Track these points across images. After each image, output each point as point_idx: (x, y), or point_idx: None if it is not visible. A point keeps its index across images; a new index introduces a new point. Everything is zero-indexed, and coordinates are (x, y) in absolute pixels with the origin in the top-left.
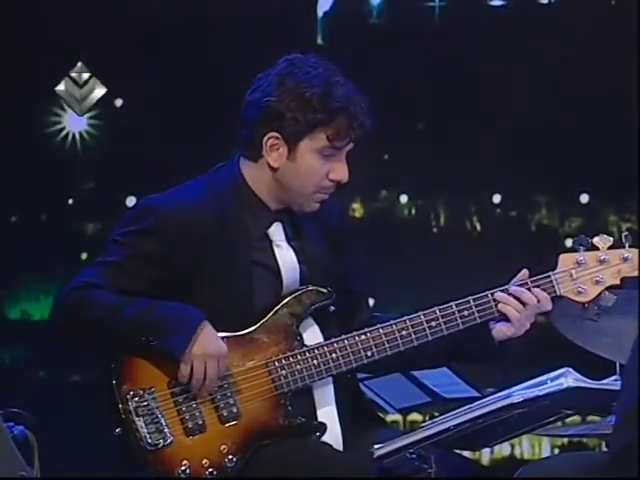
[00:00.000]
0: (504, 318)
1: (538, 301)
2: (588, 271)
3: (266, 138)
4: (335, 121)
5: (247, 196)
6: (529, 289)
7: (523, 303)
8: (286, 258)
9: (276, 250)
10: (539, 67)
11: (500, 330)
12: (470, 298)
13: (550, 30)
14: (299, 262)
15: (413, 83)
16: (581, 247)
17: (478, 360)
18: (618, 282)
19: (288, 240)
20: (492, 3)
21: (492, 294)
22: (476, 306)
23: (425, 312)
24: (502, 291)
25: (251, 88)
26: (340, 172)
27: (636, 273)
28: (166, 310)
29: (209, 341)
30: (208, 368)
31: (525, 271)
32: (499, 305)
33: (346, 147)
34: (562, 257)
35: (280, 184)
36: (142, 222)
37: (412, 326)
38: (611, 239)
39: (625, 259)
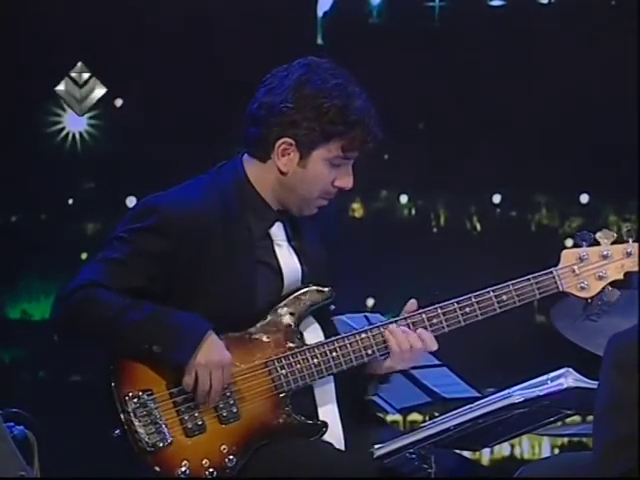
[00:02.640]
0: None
1: (422, 342)
2: (591, 266)
3: (279, 143)
4: (351, 133)
5: (250, 195)
6: (415, 330)
7: (409, 343)
8: (287, 258)
9: (277, 250)
10: (539, 67)
11: (386, 364)
12: (472, 295)
13: (550, 30)
14: (300, 262)
15: (413, 83)
16: (584, 242)
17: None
18: (621, 277)
19: (288, 240)
20: (492, 3)
21: (494, 291)
22: (477, 303)
23: (426, 310)
24: (395, 322)
25: (264, 87)
26: (346, 180)
27: None
28: (172, 318)
29: (214, 350)
30: (213, 378)
31: (413, 301)
32: (385, 333)
33: (355, 157)
34: (565, 253)
35: (285, 187)
36: (146, 220)
37: (413, 324)
38: (614, 234)
39: (628, 254)
